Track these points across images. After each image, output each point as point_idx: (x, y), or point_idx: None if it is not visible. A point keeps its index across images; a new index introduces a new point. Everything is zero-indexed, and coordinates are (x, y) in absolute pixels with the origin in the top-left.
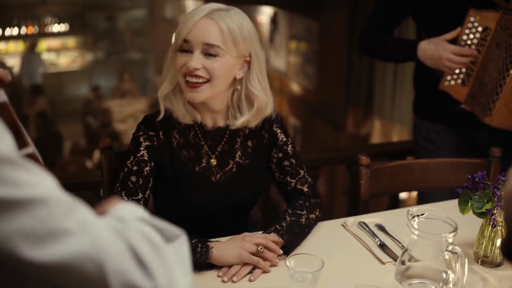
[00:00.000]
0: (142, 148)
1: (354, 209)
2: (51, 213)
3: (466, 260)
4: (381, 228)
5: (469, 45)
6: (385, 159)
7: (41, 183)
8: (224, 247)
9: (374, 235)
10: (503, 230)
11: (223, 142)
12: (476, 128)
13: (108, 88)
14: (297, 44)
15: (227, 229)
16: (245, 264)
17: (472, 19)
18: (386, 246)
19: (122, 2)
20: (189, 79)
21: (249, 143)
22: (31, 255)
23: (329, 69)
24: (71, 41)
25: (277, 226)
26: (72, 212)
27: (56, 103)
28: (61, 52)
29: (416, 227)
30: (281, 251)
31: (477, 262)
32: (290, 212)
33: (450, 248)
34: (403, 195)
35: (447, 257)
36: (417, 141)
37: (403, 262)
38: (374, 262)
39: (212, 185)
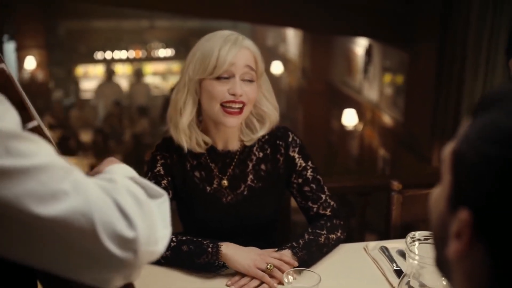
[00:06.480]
0: (159, 165)
1: (386, 235)
2: (51, 177)
3: None
4: (402, 254)
5: None
6: None
7: (42, 152)
8: (238, 251)
9: (392, 260)
10: None
11: (232, 165)
12: None
13: None
14: (389, 75)
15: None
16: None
17: None
18: (402, 271)
19: (225, 29)
20: (230, 105)
21: (263, 167)
22: (38, 211)
23: (417, 101)
24: (176, 66)
25: (293, 243)
26: (68, 175)
27: (156, 125)
28: (166, 76)
29: (416, 252)
30: None
31: None
32: (310, 230)
33: None
34: None
35: (444, 283)
36: None
37: (406, 286)
38: (385, 287)
39: (223, 206)
